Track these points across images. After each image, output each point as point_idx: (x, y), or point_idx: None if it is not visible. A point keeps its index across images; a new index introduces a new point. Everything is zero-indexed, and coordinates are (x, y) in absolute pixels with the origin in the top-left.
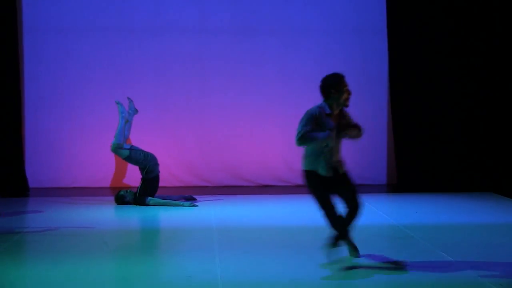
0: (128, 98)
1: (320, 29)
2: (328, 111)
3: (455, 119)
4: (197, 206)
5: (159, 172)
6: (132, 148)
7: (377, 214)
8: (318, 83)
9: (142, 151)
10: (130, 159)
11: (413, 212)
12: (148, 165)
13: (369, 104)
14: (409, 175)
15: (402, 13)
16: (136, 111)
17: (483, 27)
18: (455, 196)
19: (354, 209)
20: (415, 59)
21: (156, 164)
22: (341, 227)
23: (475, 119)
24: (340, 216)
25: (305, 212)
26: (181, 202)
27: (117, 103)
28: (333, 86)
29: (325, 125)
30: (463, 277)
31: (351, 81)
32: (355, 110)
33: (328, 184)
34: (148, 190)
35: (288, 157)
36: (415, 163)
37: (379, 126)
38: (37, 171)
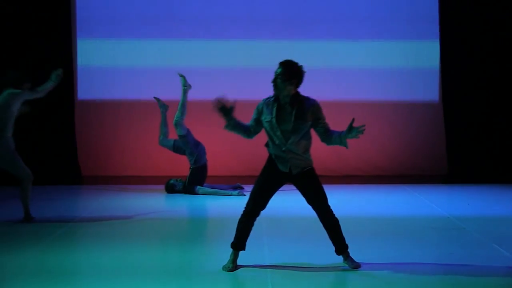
0: (179, 74)
1: (371, 17)
2: None
3: (508, 110)
4: (245, 195)
5: (206, 161)
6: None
7: (428, 205)
8: (368, 72)
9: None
10: (184, 138)
11: (465, 204)
12: (197, 153)
13: (420, 94)
14: (460, 165)
15: (455, 1)
16: (190, 86)
17: None
18: (508, 188)
19: (324, 220)
20: (467, 49)
21: (204, 153)
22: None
23: None
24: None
25: (354, 202)
26: (229, 191)
27: (180, 75)
28: None
29: None
30: None
31: (402, 70)
32: (406, 100)
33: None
34: (197, 179)
35: (338, 147)
36: (466, 154)
37: (430, 116)
38: (89, 159)
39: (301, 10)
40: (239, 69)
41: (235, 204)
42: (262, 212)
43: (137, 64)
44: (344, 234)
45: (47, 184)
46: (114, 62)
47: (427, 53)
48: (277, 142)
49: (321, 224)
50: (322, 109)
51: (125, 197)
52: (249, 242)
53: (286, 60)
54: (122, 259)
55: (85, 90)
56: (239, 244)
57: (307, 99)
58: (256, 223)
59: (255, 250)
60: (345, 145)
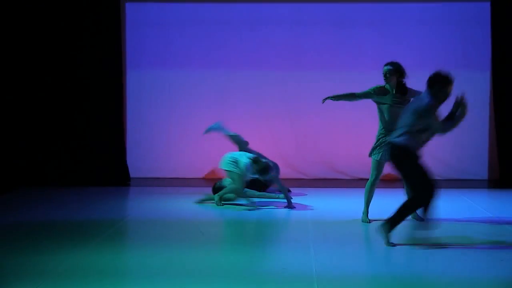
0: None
1: (420, 20)
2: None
3: None
4: (292, 198)
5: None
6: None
7: (478, 210)
8: (416, 74)
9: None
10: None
11: None
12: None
13: (470, 97)
14: None
15: (508, 3)
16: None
17: None
18: None
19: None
20: None
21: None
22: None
23: None
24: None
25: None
26: (276, 194)
27: (205, 132)
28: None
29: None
30: None
31: (451, 73)
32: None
33: None
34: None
35: None
36: None
37: (481, 119)
38: (137, 161)
39: (351, 13)
40: (285, 73)
41: (281, 207)
42: (308, 216)
43: (188, 67)
44: (393, 237)
45: (96, 185)
46: (164, 63)
47: (477, 50)
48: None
49: (365, 230)
50: None
51: (172, 198)
52: (294, 247)
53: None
54: (171, 260)
55: (135, 94)
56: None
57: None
58: (301, 226)
59: (301, 254)
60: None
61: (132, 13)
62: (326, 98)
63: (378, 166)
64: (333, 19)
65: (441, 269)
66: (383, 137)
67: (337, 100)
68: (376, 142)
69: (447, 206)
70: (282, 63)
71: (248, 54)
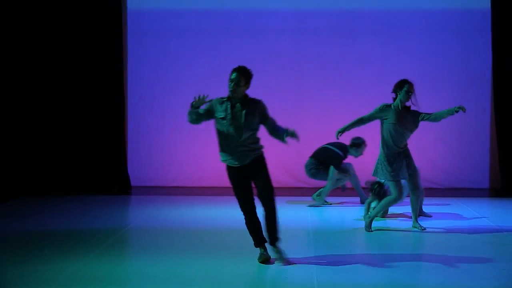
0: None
1: (420, 29)
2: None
3: None
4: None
5: None
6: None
7: (480, 219)
8: (418, 84)
9: None
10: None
11: None
12: None
13: (471, 105)
14: None
15: (508, 11)
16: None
17: None
18: None
19: (266, 209)
20: None
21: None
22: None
23: None
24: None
25: (404, 215)
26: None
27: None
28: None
29: None
30: None
31: (452, 81)
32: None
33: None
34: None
35: None
36: None
37: (481, 128)
38: (139, 170)
39: (352, 22)
40: (286, 82)
41: (282, 216)
42: (309, 225)
43: (189, 75)
44: (395, 246)
45: (97, 194)
46: (166, 72)
47: (478, 59)
48: (229, 138)
49: (367, 239)
50: (267, 107)
51: (173, 207)
52: (295, 256)
53: (240, 66)
54: (172, 269)
55: (137, 102)
56: (258, 240)
57: (254, 99)
58: (302, 236)
59: (302, 264)
60: (284, 142)
61: (133, 20)
62: (338, 133)
63: (398, 185)
64: (333, 28)
65: (442, 278)
66: (390, 156)
67: (349, 129)
68: (387, 163)
69: (449, 214)
70: (283, 72)
71: (250, 63)
